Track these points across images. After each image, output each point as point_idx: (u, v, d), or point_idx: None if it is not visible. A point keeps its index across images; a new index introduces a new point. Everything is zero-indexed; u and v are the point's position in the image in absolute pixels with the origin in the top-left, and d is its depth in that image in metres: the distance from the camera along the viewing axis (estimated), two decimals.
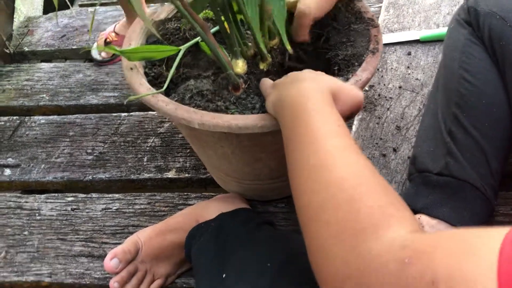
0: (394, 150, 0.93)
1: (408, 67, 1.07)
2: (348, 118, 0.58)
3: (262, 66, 0.71)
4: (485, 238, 0.31)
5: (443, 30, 1.09)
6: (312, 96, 0.52)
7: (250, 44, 0.72)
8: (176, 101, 0.66)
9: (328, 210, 0.42)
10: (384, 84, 1.04)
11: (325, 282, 0.40)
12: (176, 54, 0.72)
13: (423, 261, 0.32)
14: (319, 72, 0.60)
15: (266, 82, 0.66)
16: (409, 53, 1.10)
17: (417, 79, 1.04)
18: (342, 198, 0.41)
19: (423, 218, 0.72)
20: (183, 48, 0.72)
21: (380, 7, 1.25)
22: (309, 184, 0.45)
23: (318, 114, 0.49)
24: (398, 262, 0.34)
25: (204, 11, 0.81)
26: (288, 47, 0.66)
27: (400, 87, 1.03)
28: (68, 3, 1.36)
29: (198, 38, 0.75)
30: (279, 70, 0.72)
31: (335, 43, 0.73)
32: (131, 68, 0.69)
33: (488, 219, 0.74)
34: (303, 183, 0.46)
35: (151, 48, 0.69)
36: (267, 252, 0.62)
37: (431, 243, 0.34)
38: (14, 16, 1.50)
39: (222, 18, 0.66)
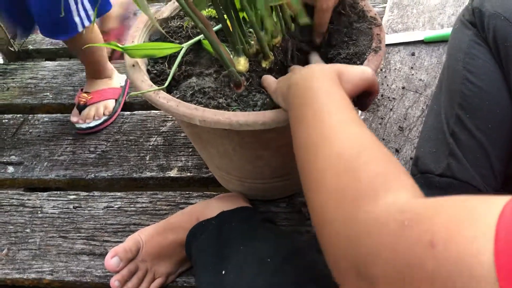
0: (397, 151, 0.92)
1: (412, 67, 1.06)
2: (364, 99, 0.58)
3: (264, 64, 0.71)
4: (487, 204, 0.31)
5: (447, 31, 1.09)
6: (317, 76, 0.52)
7: (252, 42, 0.72)
8: (178, 98, 0.66)
9: (329, 178, 0.42)
10: (387, 85, 1.04)
11: (327, 246, 0.40)
12: (178, 52, 0.72)
13: (423, 224, 0.32)
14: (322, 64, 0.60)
15: (269, 78, 0.66)
16: (413, 54, 1.09)
17: (420, 79, 1.03)
18: (342, 166, 0.42)
19: None
20: (185, 45, 0.72)
21: (385, 7, 1.24)
22: (312, 156, 0.45)
23: (322, 92, 0.50)
24: (398, 224, 0.34)
25: (207, 10, 0.81)
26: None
27: (403, 88, 1.02)
28: None
29: (200, 36, 0.75)
30: (281, 68, 0.72)
31: (337, 43, 0.73)
32: (133, 65, 0.69)
33: None
34: (306, 156, 0.46)
35: (154, 45, 0.69)
36: (267, 248, 0.62)
37: (432, 207, 0.34)
38: None
39: (225, 16, 0.66)
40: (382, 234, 0.34)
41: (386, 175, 0.40)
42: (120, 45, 0.65)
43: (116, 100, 1.14)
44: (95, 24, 1.08)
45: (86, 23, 0.98)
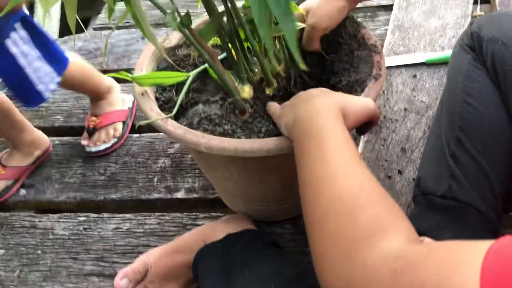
0: (399, 172, 0.94)
1: (414, 89, 1.09)
2: (364, 127, 0.61)
3: (268, 91, 0.74)
4: (473, 248, 0.33)
5: (448, 53, 1.11)
6: (321, 113, 0.55)
7: (256, 70, 0.75)
8: (185, 125, 0.68)
9: (330, 220, 0.44)
10: (390, 106, 1.06)
11: None
12: (186, 80, 0.75)
13: (414, 270, 0.34)
14: (326, 90, 0.62)
15: (274, 105, 0.68)
16: (415, 76, 1.12)
17: (422, 101, 1.05)
18: (342, 209, 0.44)
19: (427, 240, 0.73)
20: (192, 74, 0.75)
21: (386, 29, 1.27)
22: (314, 195, 0.48)
23: (326, 130, 0.53)
24: (391, 271, 0.36)
25: (212, 38, 0.84)
26: (303, 66, 0.69)
27: (405, 109, 1.04)
28: (83, 26, 1.40)
29: (206, 65, 0.78)
30: (284, 95, 0.74)
31: (338, 70, 0.75)
32: (142, 94, 0.72)
33: None
34: (309, 195, 0.49)
35: (162, 74, 0.72)
36: (272, 273, 0.64)
37: (422, 253, 0.36)
38: None
39: (230, 45, 0.69)
40: (378, 281, 0.36)
41: (383, 219, 0.42)
42: (130, 75, 0.68)
43: (124, 122, 1.16)
44: (76, 57, 1.11)
45: (52, 86, 1.01)
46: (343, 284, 0.40)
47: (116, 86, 1.21)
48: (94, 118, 1.15)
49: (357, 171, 0.47)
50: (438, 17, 1.24)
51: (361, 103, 0.59)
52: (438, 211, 0.75)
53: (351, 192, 0.45)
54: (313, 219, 0.46)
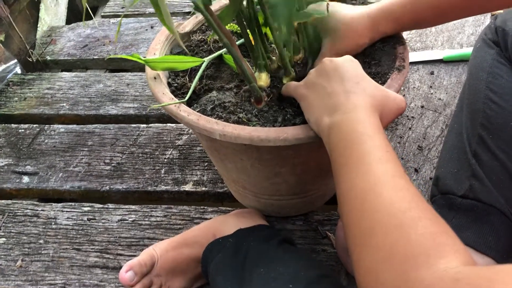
0: (416, 170, 0.91)
1: (431, 86, 1.05)
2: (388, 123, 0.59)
3: (285, 80, 0.71)
4: None
5: (467, 50, 1.08)
6: (361, 120, 0.52)
7: (274, 58, 0.72)
8: (198, 111, 0.65)
9: (377, 234, 0.41)
10: (406, 103, 1.03)
11: None
12: (200, 66, 0.72)
13: None
14: (356, 65, 0.59)
15: (292, 83, 0.65)
16: (432, 73, 1.08)
17: (439, 99, 1.02)
18: (391, 223, 0.41)
19: (479, 261, 0.70)
20: (207, 60, 0.72)
21: None
22: (358, 207, 0.45)
23: (367, 138, 0.50)
24: None
25: (229, 24, 0.81)
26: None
27: (422, 107, 1.01)
28: (91, 13, 1.37)
29: (222, 51, 0.75)
30: None
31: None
32: (155, 78, 0.69)
33: None
34: (352, 207, 0.46)
35: (175, 58, 0.69)
36: (290, 272, 0.61)
37: (487, 277, 0.33)
38: (38, 25, 1.52)
39: (248, 30, 0.66)
40: None
41: (437, 237, 0.39)
42: (143, 58, 0.65)
43: None
44: None
45: None
46: None
47: None
48: None
49: (403, 185, 0.45)
50: None
51: (396, 105, 0.57)
52: (457, 212, 0.72)
53: (399, 205, 0.42)
54: (358, 233, 0.44)
